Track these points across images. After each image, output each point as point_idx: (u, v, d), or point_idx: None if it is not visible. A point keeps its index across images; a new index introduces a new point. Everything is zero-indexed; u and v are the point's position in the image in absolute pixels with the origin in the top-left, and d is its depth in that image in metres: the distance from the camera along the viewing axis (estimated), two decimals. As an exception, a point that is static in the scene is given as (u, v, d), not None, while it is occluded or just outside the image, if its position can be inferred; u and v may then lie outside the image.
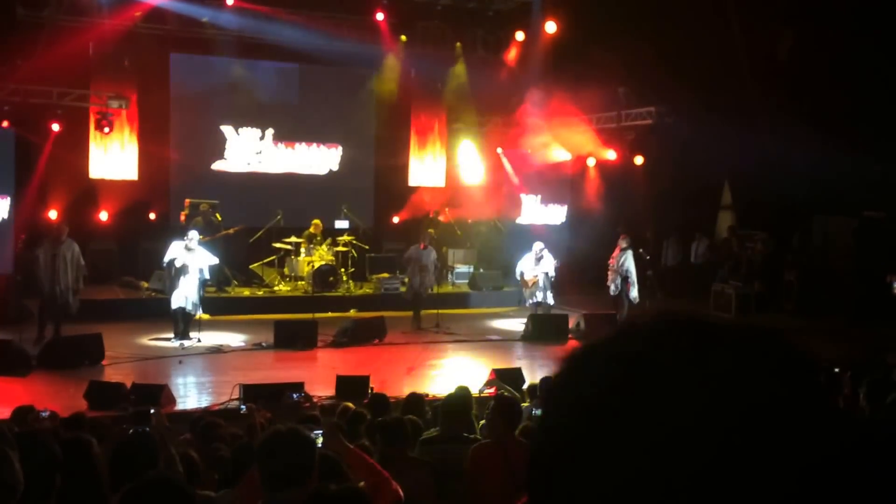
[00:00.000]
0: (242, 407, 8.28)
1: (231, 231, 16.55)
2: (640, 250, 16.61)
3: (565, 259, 16.42)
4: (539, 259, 15.25)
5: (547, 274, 15.24)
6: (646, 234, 19.06)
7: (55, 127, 16.83)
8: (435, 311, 15.58)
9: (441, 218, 19.32)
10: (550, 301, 15.36)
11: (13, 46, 15.81)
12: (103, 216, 17.92)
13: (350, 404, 7.47)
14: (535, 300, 15.33)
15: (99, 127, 17.38)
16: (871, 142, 14.49)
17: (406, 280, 16.70)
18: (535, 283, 15.24)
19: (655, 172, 19.00)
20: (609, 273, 15.55)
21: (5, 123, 16.18)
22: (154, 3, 17.24)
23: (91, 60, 17.11)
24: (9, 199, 15.91)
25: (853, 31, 15.12)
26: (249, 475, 3.72)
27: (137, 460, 3.81)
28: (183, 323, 13.40)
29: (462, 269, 19.05)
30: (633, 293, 15.34)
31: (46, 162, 16.92)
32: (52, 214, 17.08)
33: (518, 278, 15.58)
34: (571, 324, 14.92)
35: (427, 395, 8.73)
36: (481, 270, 19.02)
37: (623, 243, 15.48)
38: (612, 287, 15.51)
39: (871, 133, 14.85)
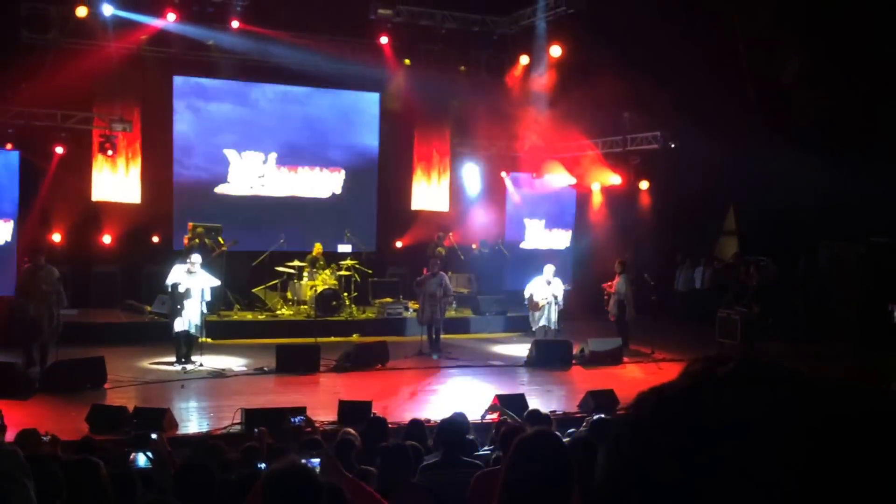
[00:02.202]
0: (256, 430, 8.22)
1: (225, 247, 16.39)
2: (646, 275, 16.57)
3: (569, 284, 16.38)
4: (549, 282, 15.18)
5: (556, 298, 15.16)
6: (657, 258, 19.00)
7: (59, 150, 16.88)
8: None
9: (445, 243, 19.24)
10: (556, 326, 15.25)
11: (18, 69, 15.87)
12: (106, 239, 17.90)
13: (352, 431, 7.41)
14: (542, 324, 15.22)
15: (102, 150, 17.41)
16: (879, 166, 14.44)
17: (411, 305, 16.66)
18: (544, 307, 15.14)
19: (661, 197, 18.98)
20: (606, 297, 15.81)
21: (9, 146, 16.22)
22: (159, 27, 17.34)
23: (95, 83, 17.15)
24: (13, 221, 15.95)
25: (861, 55, 15.13)
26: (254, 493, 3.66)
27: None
28: (186, 347, 13.35)
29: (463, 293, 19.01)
30: (629, 314, 15.66)
31: (50, 185, 16.96)
32: (56, 237, 17.11)
33: (526, 302, 15.45)
34: (575, 350, 14.84)
35: (428, 421, 8.65)
36: (484, 295, 18.94)
37: (617, 268, 15.71)
38: (614, 311, 15.66)
39: (879, 157, 14.80)
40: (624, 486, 0.77)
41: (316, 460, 5.96)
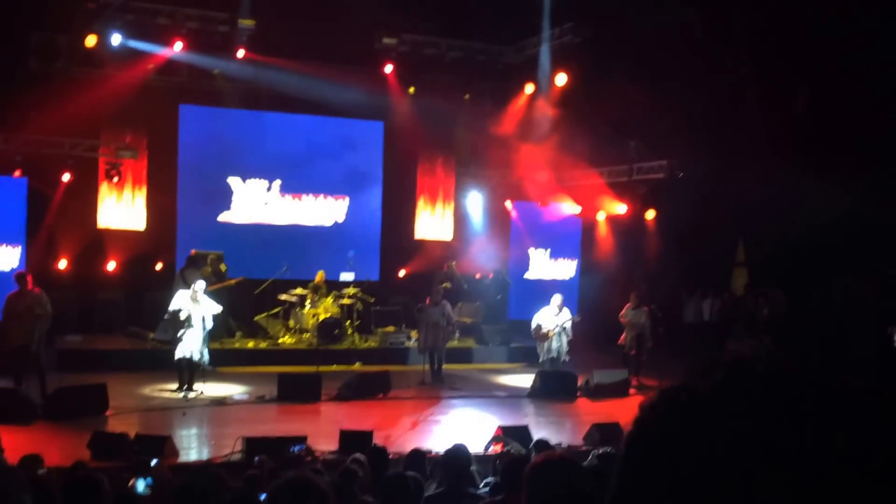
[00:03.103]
0: (256, 458, 8.19)
1: (233, 282, 16.51)
2: (653, 306, 16.51)
3: (578, 315, 16.24)
4: (557, 313, 15.07)
5: (565, 328, 15.05)
6: (662, 289, 18.86)
7: (66, 177, 16.98)
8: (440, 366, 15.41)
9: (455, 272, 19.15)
10: (566, 357, 15.13)
11: (27, 97, 15.99)
12: (111, 266, 17.95)
13: (360, 457, 7.36)
14: (550, 355, 15.07)
15: (108, 177, 17.51)
16: (894, 196, 14.33)
17: (413, 335, 16.63)
18: (552, 337, 15.00)
19: (668, 227, 18.89)
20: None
21: (17, 173, 16.31)
22: (166, 56, 17.48)
23: (102, 111, 17.27)
24: (21, 247, 16.02)
25: (871, 84, 15.10)
26: None
27: None
28: (188, 374, 13.31)
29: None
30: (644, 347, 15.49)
31: (56, 211, 17.06)
32: (62, 264, 17.17)
33: (532, 332, 15.26)
34: (580, 381, 14.73)
35: (430, 453, 8.60)
36: (487, 325, 18.86)
37: (633, 301, 15.55)
38: (633, 344, 15.49)
39: (893, 187, 14.71)
40: (647, 483, 0.76)
41: None
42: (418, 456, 7.48)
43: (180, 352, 13.10)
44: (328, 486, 4.49)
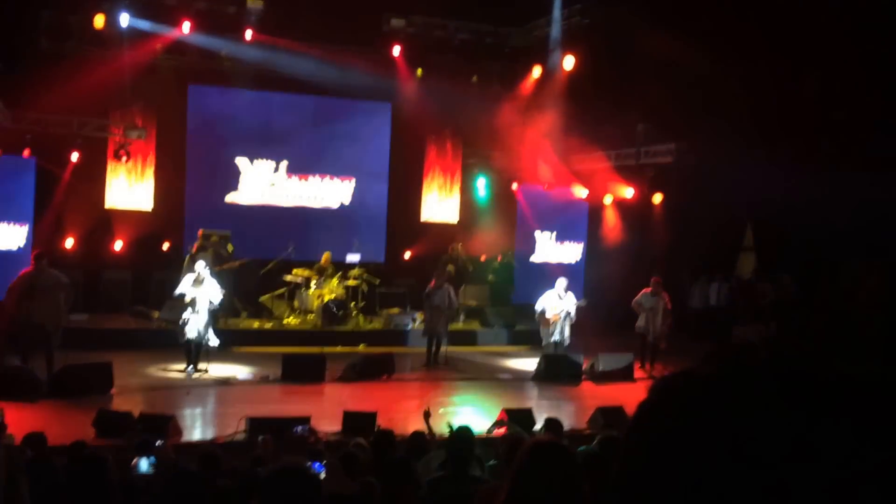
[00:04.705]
0: (260, 437, 8.23)
1: (237, 264, 16.53)
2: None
3: (584, 300, 16.18)
4: (561, 296, 14.98)
5: (569, 313, 14.99)
6: (668, 274, 18.74)
7: (74, 157, 17.01)
8: (444, 349, 15.42)
9: (459, 254, 19.11)
10: (568, 341, 15.09)
11: (36, 77, 15.99)
12: (118, 246, 18.02)
13: (362, 442, 7.39)
14: (554, 339, 15.02)
15: (116, 156, 17.54)
16: None
17: (418, 317, 16.66)
18: (556, 321, 14.96)
19: (675, 211, 18.82)
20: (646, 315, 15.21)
21: (26, 152, 16.34)
22: (174, 37, 17.47)
23: (111, 91, 17.29)
24: (28, 226, 16.06)
25: (882, 67, 14.97)
26: None
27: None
28: (194, 354, 13.36)
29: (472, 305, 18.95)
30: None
31: (64, 191, 17.10)
32: (69, 243, 17.23)
33: (537, 316, 15.15)
34: (585, 365, 14.72)
35: (433, 435, 8.60)
36: (492, 307, 18.87)
37: (658, 287, 15.21)
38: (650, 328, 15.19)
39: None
40: (648, 470, 0.76)
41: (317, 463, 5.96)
42: (420, 438, 7.49)
43: (188, 332, 13.13)
44: (331, 467, 4.53)
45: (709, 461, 0.71)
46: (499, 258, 19.97)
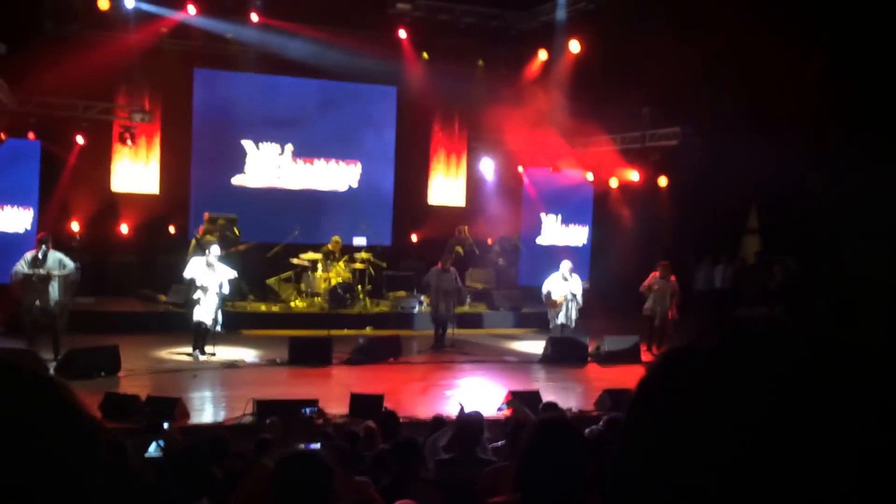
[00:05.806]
0: (268, 420, 8.26)
1: (242, 247, 16.53)
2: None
3: (588, 282, 16.17)
4: (566, 279, 15.00)
5: (575, 295, 15.01)
6: (676, 256, 18.71)
7: (80, 140, 16.99)
8: (451, 331, 15.46)
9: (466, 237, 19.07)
10: (575, 323, 15.11)
11: (41, 59, 15.95)
12: (124, 229, 18.03)
13: (372, 425, 7.41)
14: (560, 322, 15.05)
15: (122, 140, 17.53)
16: None
17: (424, 300, 16.66)
18: (562, 304, 14.96)
19: (680, 194, 18.79)
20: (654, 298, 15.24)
21: (31, 136, 16.33)
22: (179, 19, 17.43)
23: (116, 74, 17.27)
24: (33, 210, 16.07)
25: (887, 49, 14.87)
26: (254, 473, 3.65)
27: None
28: (202, 337, 13.39)
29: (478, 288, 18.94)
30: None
31: (70, 174, 17.09)
32: (75, 226, 17.24)
33: (543, 298, 15.20)
34: (591, 347, 14.73)
35: (440, 417, 8.63)
36: (498, 290, 18.88)
37: (666, 271, 15.24)
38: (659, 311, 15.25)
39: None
40: (651, 444, 0.75)
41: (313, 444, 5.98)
42: (440, 423, 7.52)
43: (197, 315, 13.15)
44: (335, 453, 4.53)
45: (711, 433, 0.71)
46: (512, 240, 19.80)
